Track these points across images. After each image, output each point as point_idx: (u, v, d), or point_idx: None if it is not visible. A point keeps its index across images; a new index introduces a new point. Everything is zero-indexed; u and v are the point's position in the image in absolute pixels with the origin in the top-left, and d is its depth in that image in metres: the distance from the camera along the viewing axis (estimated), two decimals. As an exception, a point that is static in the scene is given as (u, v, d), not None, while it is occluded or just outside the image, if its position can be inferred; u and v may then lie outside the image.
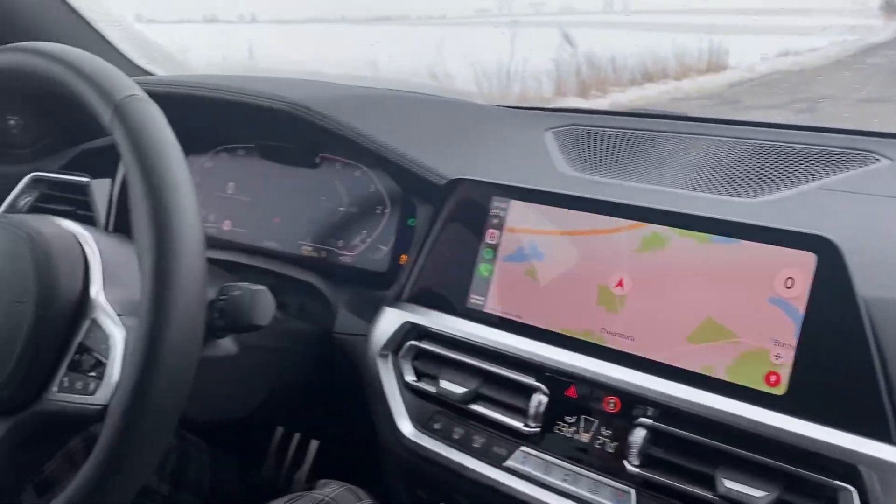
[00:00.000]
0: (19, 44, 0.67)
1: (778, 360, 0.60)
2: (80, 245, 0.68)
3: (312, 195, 0.98)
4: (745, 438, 0.60)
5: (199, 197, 1.04)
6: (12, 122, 1.10)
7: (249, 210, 1.02)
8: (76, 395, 0.62)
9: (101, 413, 0.60)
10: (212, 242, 1.03)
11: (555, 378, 0.71)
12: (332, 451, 1.21)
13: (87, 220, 1.07)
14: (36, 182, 1.11)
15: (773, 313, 0.61)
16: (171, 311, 0.57)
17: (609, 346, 0.69)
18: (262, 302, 0.70)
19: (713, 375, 0.63)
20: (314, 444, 1.23)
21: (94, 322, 0.64)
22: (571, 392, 0.70)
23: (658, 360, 0.66)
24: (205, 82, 0.91)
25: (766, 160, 0.83)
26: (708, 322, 0.64)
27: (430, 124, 0.96)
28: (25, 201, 1.10)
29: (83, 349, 0.64)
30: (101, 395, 0.61)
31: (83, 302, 0.65)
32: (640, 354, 0.67)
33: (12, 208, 1.10)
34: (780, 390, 0.60)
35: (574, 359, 0.70)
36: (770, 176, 0.79)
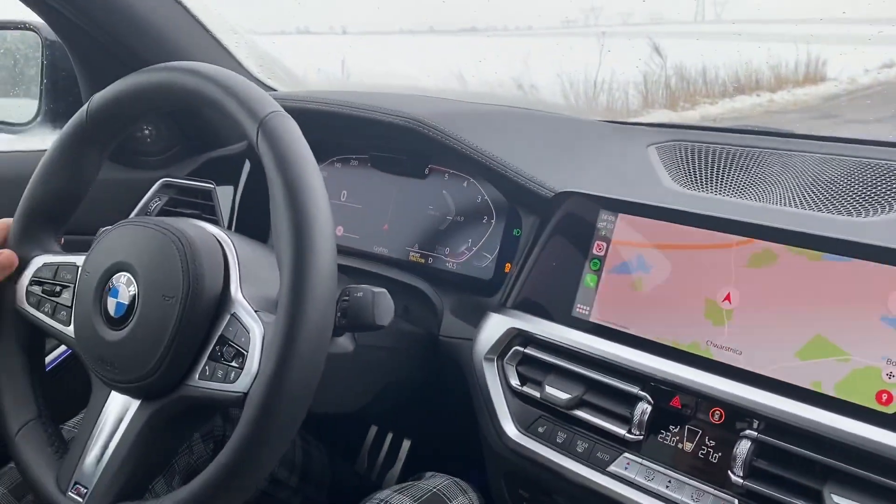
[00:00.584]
0: (172, 63, 0.74)
1: (891, 378, 0.61)
2: (221, 246, 0.75)
3: (421, 204, 1.03)
4: (854, 455, 0.61)
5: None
6: (146, 132, 1.20)
7: (361, 217, 1.08)
8: (216, 383, 0.68)
9: (240, 399, 0.66)
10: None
11: (659, 388, 0.73)
12: (424, 450, 1.25)
13: (211, 222, 1.15)
14: (166, 187, 1.20)
15: (886, 332, 0.62)
16: (306, 309, 0.63)
17: (715, 358, 0.71)
18: (383, 304, 0.74)
19: (822, 391, 0.64)
20: (406, 444, 1.28)
21: (234, 316, 0.70)
22: (676, 402, 0.72)
23: (765, 375, 0.68)
24: (332, 99, 0.98)
25: (875, 178, 0.83)
26: (817, 339, 0.66)
27: (536, 139, 1.00)
28: (156, 204, 1.19)
29: (223, 341, 0.70)
30: (241, 384, 0.66)
31: (224, 298, 0.71)
32: (746, 368, 0.69)
33: (145, 210, 1.19)
34: (891, 409, 0.61)
35: (679, 370, 0.72)
36: (879, 195, 0.79)
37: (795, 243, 0.69)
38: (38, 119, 1.24)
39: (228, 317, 0.71)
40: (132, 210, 1.20)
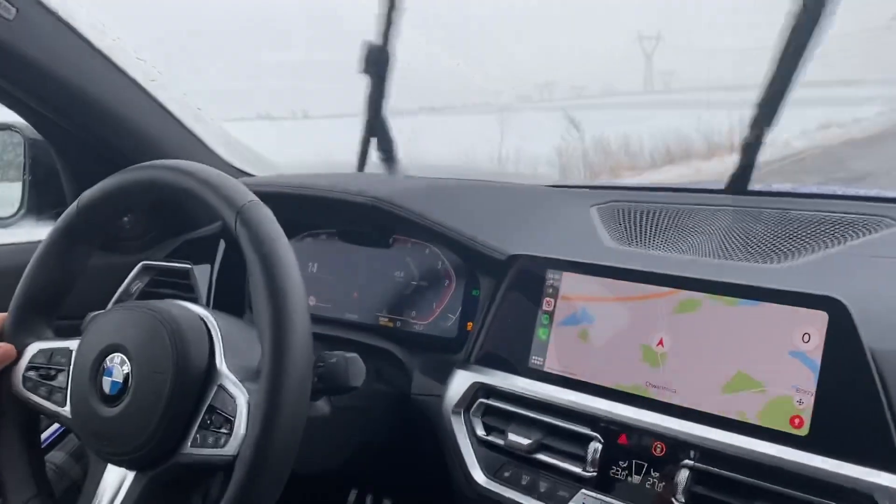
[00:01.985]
0: (155, 161, 0.83)
1: (800, 405, 0.70)
2: (205, 324, 0.82)
3: (387, 272, 1.11)
4: (775, 475, 0.70)
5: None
6: (126, 220, 1.27)
7: (331, 287, 1.16)
8: (208, 449, 0.75)
9: (230, 462, 0.72)
10: (299, 317, 1.18)
11: (608, 428, 0.81)
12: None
13: (190, 301, 1.22)
14: (146, 270, 1.27)
15: (794, 365, 0.72)
16: (287, 375, 0.70)
17: (654, 397, 0.79)
18: (356, 367, 0.82)
19: (746, 420, 0.73)
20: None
21: (221, 387, 0.77)
22: (623, 439, 0.80)
23: (697, 409, 0.76)
24: (301, 182, 1.07)
25: (790, 228, 0.94)
26: (739, 374, 0.75)
27: (488, 207, 1.10)
28: (137, 287, 1.26)
29: (212, 410, 0.76)
30: (231, 447, 0.73)
31: (210, 371, 0.78)
32: (681, 404, 0.78)
33: (127, 293, 1.26)
34: (803, 431, 0.69)
35: (624, 410, 0.81)
36: (790, 243, 0.90)
37: (715, 291, 0.78)
38: (22, 212, 1.31)
39: (216, 388, 0.77)
40: (114, 293, 1.27)
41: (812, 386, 0.70)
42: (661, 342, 0.81)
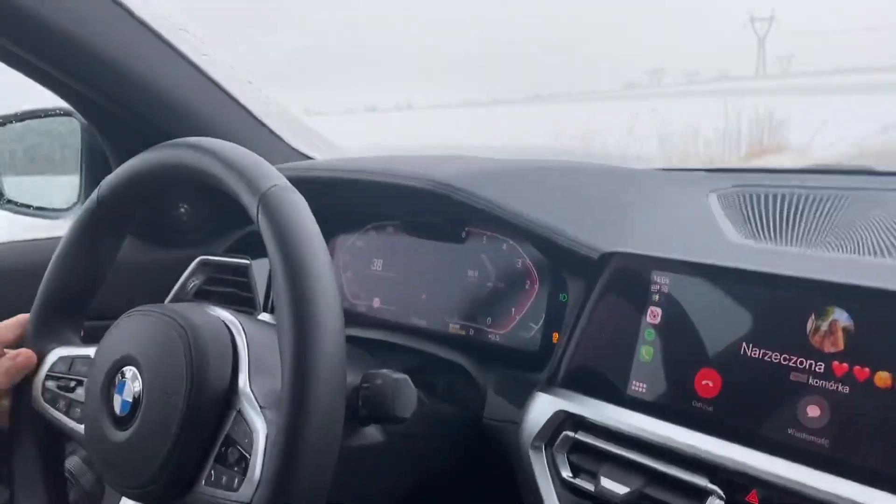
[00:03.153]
0: (178, 139, 0.70)
1: None
2: (231, 333, 0.69)
3: (459, 270, 0.95)
4: None
5: (349, 275, 1.06)
6: (182, 210, 1.18)
7: (397, 287, 1.01)
8: (221, 491, 0.62)
9: None
10: (362, 321, 1.04)
11: (732, 480, 0.62)
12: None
13: (248, 300, 1.11)
14: (203, 265, 1.16)
15: None
16: (310, 405, 0.55)
17: (797, 445, 0.59)
18: (405, 392, 0.67)
19: (936, 488, 0.52)
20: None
21: (240, 413, 0.63)
22: (753, 498, 0.61)
23: (860, 464, 0.56)
24: (351, 165, 0.92)
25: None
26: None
27: (581, 193, 0.91)
28: (193, 284, 1.16)
29: (229, 442, 0.63)
30: (244, 493, 0.59)
31: (231, 392, 0.65)
32: (836, 456, 0.57)
33: (182, 291, 1.16)
34: None
35: (755, 458, 0.61)
36: None
37: (883, 303, 0.57)
38: (79, 203, 1.23)
39: (234, 413, 0.64)
40: (170, 291, 1.17)
41: None
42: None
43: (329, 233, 1.09)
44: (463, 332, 0.93)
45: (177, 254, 1.18)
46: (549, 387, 0.77)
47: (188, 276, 1.16)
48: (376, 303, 1.03)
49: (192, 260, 1.18)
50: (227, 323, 0.70)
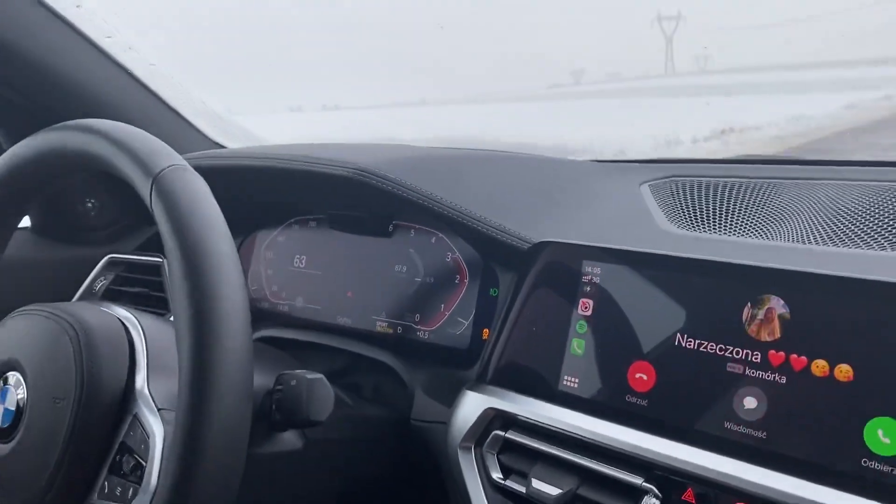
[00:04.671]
0: (63, 123, 0.63)
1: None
2: (128, 332, 0.63)
3: (386, 265, 0.90)
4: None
5: (270, 273, 1.00)
6: (89, 205, 1.09)
7: (322, 284, 0.96)
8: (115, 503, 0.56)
9: None
10: (284, 321, 0.98)
11: (668, 478, 0.59)
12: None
13: (160, 300, 1.03)
14: (112, 264, 1.08)
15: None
16: (211, 406, 0.50)
17: (733, 439, 0.57)
18: (320, 394, 0.62)
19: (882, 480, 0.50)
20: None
21: (136, 418, 0.58)
22: (688, 496, 0.58)
23: (807, 460, 0.53)
24: (269, 153, 0.86)
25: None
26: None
27: (511, 184, 0.87)
28: (101, 284, 1.07)
29: (125, 449, 0.57)
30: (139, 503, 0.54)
31: (127, 395, 0.59)
32: (773, 449, 0.55)
33: (89, 291, 1.08)
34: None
35: (691, 454, 0.58)
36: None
37: (822, 289, 0.55)
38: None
39: (131, 418, 0.58)
40: (76, 292, 1.09)
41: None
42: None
43: (248, 228, 1.03)
44: (390, 331, 0.89)
45: (84, 252, 1.10)
46: (478, 384, 0.73)
47: (96, 276, 1.08)
48: (299, 301, 0.97)
49: (101, 258, 1.09)
50: (123, 320, 0.64)
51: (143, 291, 1.05)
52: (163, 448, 0.54)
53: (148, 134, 0.59)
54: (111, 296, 1.07)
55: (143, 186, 0.56)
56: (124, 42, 0.98)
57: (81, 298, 1.07)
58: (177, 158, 0.57)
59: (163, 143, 0.59)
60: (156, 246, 1.09)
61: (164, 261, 1.05)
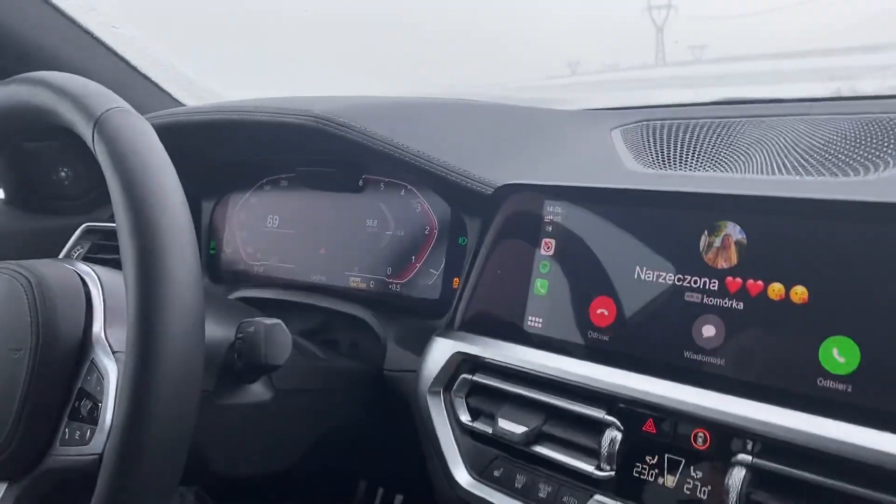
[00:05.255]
0: (7, 79, 0.63)
1: (915, 372, 0.46)
2: (85, 284, 0.62)
3: (358, 221, 0.90)
4: (879, 477, 0.46)
5: (245, 234, 1.00)
6: (63, 174, 1.09)
7: (295, 243, 0.95)
8: (75, 447, 0.56)
9: (97, 463, 0.53)
10: (259, 281, 0.98)
11: (630, 410, 0.59)
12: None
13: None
14: (88, 233, 1.08)
15: (903, 312, 0.48)
16: (159, 341, 0.50)
17: (693, 368, 0.56)
18: (277, 339, 0.62)
19: (836, 399, 0.50)
20: (399, 500, 1.12)
21: (93, 362, 0.58)
22: (650, 426, 0.58)
23: (759, 383, 0.53)
24: (227, 106, 0.85)
25: (874, 135, 0.69)
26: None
27: (479, 132, 0.87)
28: (78, 252, 1.07)
29: (82, 394, 0.57)
30: (96, 444, 0.54)
31: (84, 343, 0.59)
32: (733, 376, 0.54)
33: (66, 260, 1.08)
34: (922, 412, 0.46)
35: (651, 385, 0.58)
36: (879, 152, 0.65)
37: (782, 211, 0.55)
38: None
39: (88, 363, 0.58)
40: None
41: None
42: (700, 289, 0.57)
43: (221, 190, 1.02)
44: (364, 286, 0.88)
45: (60, 221, 1.10)
46: (447, 331, 0.73)
47: (73, 245, 1.07)
48: (273, 261, 0.97)
49: (77, 228, 1.09)
50: (79, 273, 0.63)
51: (119, 258, 1.05)
52: (116, 387, 0.54)
53: (89, 80, 0.58)
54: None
55: (85, 130, 0.55)
56: (85, 4, 0.97)
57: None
58: (118, 101, 0.56)
59: (103, 87, 0.58)
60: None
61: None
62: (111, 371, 0.55)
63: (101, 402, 0.55)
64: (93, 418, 0.55)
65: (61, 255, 1.08)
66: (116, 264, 1.05)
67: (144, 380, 0.49)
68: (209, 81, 1.14)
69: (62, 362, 0.58)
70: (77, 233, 1.08)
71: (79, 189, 1.11)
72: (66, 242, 1.09)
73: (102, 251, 1.07)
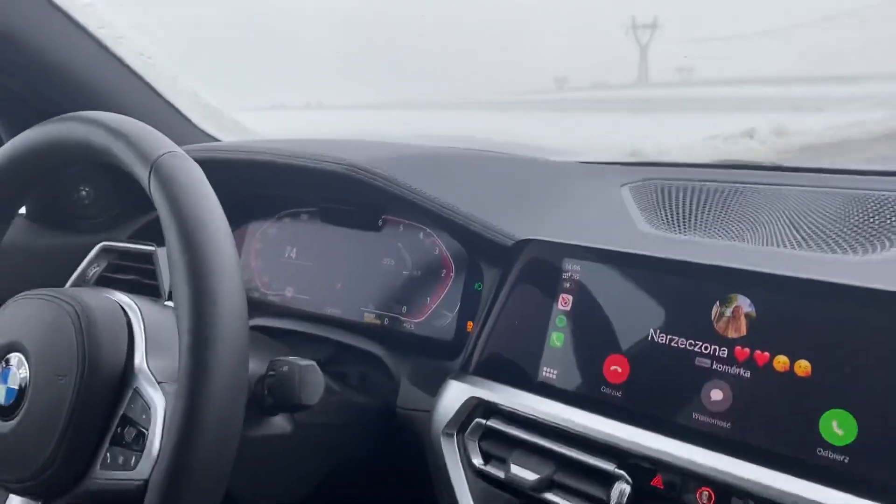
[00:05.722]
0: (63, 115, 0.66)
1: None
2: (126, 315, 0.66)
3: (375, 258, 0.93)
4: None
5: (261, 263, 1.03)
6: (83, 193, 1.12)
7: (312, 275, 0.99)
8: (118, 472, 0.59)
9: (142, 488, 0.56)
10: (275, 311, 1.00)
11: (639, 465, 0.63)
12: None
13: (152, 288, 1.06)
14: (105, 252, 1.11)
15: (900, 394, 0.52)
16: (210, 375, 0.53)
17: (702, 429, 0.60)
18: (311, 379, 0.65)
19: (829, 466, 0.54)
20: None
21: (136, 391, 0.61)
22: (657, 482, 0.61)
23: (762, 448, 0.57)
24: (264, 147, 0.89)
25: (876, 212, 0.74)
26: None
27: (497, 182, 0.91)
28: (94, 271, 1.10)
29: (126, 421, 0.61)
30: (142, 469, 0.57)
31: (126, 371, 0.62)
32: (739, 439, 0.59)
33: (82, 278, 1.10)
34: None
35: (661, 442, 0.61)
36: (881, 230, 0.70)
37: (791, 290, 0.59)
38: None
39: (131, 392, 0.61)
40: (69, 278, 1.11)
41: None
42: (711, 356, 0.61)
43: (240, 219, 1.05)
44: (378, 322, 0.92)
45: (78, 239, 1.12)
46: (462, 374, 0.76)
47: (89, 263, 1.10)
48: (289, 292, 1.00)
49: (94, 246, 1.12)
50: (121, 304, 0.66)
51: (136, 279, 1.07)
52: (164, 417, 0.57)
53: (145, 124, 0.62)
54: (103, 283, 1.09)
55: (141, 173, 0.59)
56: (116, 33, 1.00)
57: (74, 285, 1.10)
58: (173, 146, 0.60)
59: (158, 132, 0.62)
60: (148, 235, 1.12)
61: (157, 249, 1.07)
62: (158, 402, 0.58)
63: (146, 430, 0.57)
64: (139, 445, 0.58)
65: (77, 273, 1.11)
66: (132, 285, 1.07)
67: (195, 413, 0.52)
68: (233, 112, 1.17)
69: (105, 389, 0.61)
70: (94, 251, 1.11)
71: (98, 208, 1.14)
72: (83, 259, 1.12)
73: (119, 271, 1.10)
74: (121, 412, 0.61)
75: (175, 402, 0.54)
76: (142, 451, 0.58)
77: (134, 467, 0.58)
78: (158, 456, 0.56)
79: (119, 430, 0.60)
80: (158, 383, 0.60)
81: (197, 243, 0.55)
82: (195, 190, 0.57)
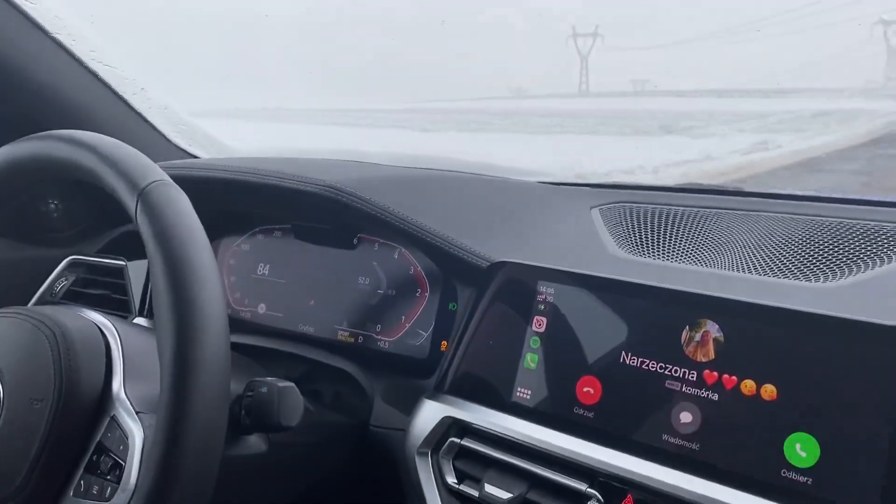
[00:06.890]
0: (48, 132, 0.66)
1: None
2: (105, 337, 0.65)
3: (349, 276, 0.94)
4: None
5: (234, 280, 1.03)
6: (52, 206, 1.10)
7: (285, 293, 0.99)
8: (91, 502, 0.58)
9: None
10: (246, 327, 1.00)
11: (609, 484, 0.64)
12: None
13: (122, 303, 1.05)
14: (73, 266, 1.09)
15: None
16: (190, 411, 0.53)
17: (671, 451, 0.62)
18: (290, 401, 0.65)
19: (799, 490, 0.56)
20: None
21: (114, 419, 0.60)
22: (628, 501, 0.63)
23: (733, 471, 0.59)
24: (240, 166, 0.89)
25: (839, 239, 0.77)
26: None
27: (471, 204, 0.92)
28: (62, 285, 1.08)
29: (101, 449, 0.60)
30: (117, 501, 0.57)
31: (104, 398, 0.62)
32: (709, 461, 0.61)
33: (49, 292, 1.08)
34: (873, 509, 0.52)
35: (631, 463, 0.63)
36: (843, 256, 0.73)
37: (760, 318, 0.61)
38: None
39: (108, 419, 0.61)
40: (36, 292, 1.09)
41: None
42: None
43: (214, 235, 1.05)
44: (352, 340, 0.92)
45: (45, 253, 1.11)
46: (436, 394, 0.77)
47: (56, 277, 1.09)
48: (262, 309, 1.00)
49: (62, 260, 1.10)
50: (99, 326, 0.66)
51: (105, 294, 1.06)
52: (142, 450, 0.57)
53: (133, 148, 0.62)
54: (72, 297, 1.08)
55: (129, 201, 0.59)
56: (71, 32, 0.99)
57: (41, 300, 1.08)
58: (161, 174, 0.60)
59: (147, 158, 0.62)
60: (118, 249, 1.11)
61: (127, 264, 1.07)
62: (136, 433, 0.58)
63: (124, 463, 0.57)
64: (115, 476, 0.57)
65: (44, 287, 1.09)
66: (101, 300, 1.06)
67: (174, 452, 0.53)
68: (201, 122, 1.17)
69: (81, 416, 0.60)
70: (62, 265, 1.10)
71: (66, 222, 1.12)
72: (51, 273, 1.10)
73: (88, 285, 1.09)
74: (97, 439, 0.60)
75: (154, 437, 0.54)
76: (118, 482, 0.57)
77: (109, 498, 0.57)
78: (135, 490, 0.56)
79: (94, 457, 0.60)
80: (137, 413, 0.60)
81: (181, 278, 0.56)
82: (181, 222, 0.58)
